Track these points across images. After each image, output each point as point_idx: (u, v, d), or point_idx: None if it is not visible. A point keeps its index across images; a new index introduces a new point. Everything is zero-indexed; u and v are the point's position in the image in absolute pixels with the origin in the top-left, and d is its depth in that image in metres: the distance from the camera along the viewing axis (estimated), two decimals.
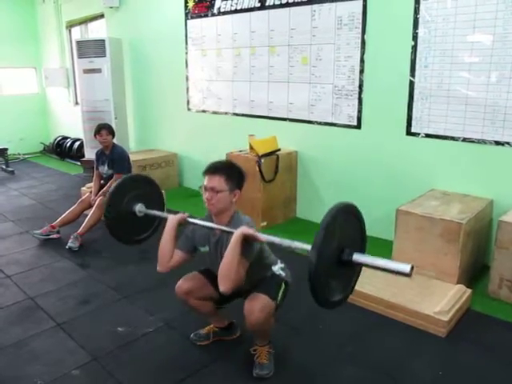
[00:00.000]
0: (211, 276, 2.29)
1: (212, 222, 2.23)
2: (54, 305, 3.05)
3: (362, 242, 1.90)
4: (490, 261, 3.15)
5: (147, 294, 3.19)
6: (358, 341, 2.64)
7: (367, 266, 1.74)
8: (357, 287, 2.91)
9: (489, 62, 3.32)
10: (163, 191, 4.91)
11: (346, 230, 1.76)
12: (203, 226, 2.23)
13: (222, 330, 2.59)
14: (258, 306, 2.13)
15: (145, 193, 2.59)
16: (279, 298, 2.24)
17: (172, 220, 2.28)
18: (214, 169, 2.17)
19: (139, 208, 2.51)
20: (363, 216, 1.89)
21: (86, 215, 4.20)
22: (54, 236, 4.19)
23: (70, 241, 3.97)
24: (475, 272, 3.36)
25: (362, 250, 1.86)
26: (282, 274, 2.33)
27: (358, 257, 1.72)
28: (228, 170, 2.17)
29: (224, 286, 1.99)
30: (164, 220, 2.39)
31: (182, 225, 2.30)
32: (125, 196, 2.50)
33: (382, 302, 2.86)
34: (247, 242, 2.02)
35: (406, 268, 1.60)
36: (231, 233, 2.04)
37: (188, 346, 2.58)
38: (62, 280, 3.42)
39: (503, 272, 3.01)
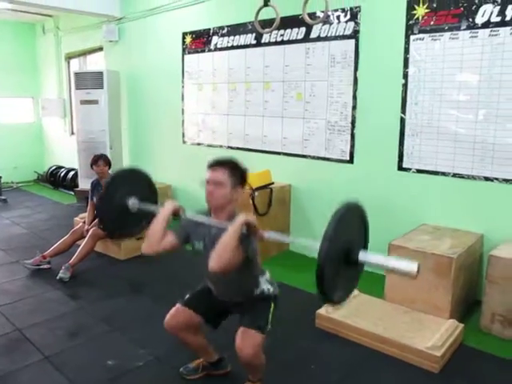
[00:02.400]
0: (194, 305, 2.32)
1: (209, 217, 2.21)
2: (42, 337, 3.01)
3: (365, 242, 1.92)
4: (482, 295, 3.16)
5: (138, 326, 3.16)
6: (352, 377, 2.62)
7: (372, 264, 1.74)
8: (349, 321, 2.95)
9: (476, 100, 3.43)
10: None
11: (353, 228, 1.78)
12: (200, 222, 2.19)
13: (212, 364, 2.56)
14: (248, 343, 2.13)
15: (138, 187, 2.55)
16: (269, 324, 2.22)
17: (168, 205, 2.24)
18: (217, 163, 2.15)
19: (132, 202, 2.46)
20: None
21: (79, 245, 4.18)
22: (45, 266, 4.15)
23: (61, 271, 3.94)
24: (467, 306, 3.36)
25: (366, 248, 1.88)
26: (270, 289, 2.30)
27: (363, 255, 1.72)
28: (232, 166, 2.16)
29: (214, 263, 1.94)
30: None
31: (177, 216, 2.26)
32: (118, 189, 2.47)
33: (374, 337, 2.85)
34: (246, 235, 2.01)
35: (413, 268, 1.58)
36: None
37: (177, 381, 2.54)
38: (52, 311, 3.38)
39: (495, 307, 3.02)
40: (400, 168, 3.90)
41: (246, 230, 2.00)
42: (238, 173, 2.16)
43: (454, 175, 3.60)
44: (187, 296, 2.41)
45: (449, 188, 3.66)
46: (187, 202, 5.90)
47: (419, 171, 3.79)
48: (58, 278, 3.91)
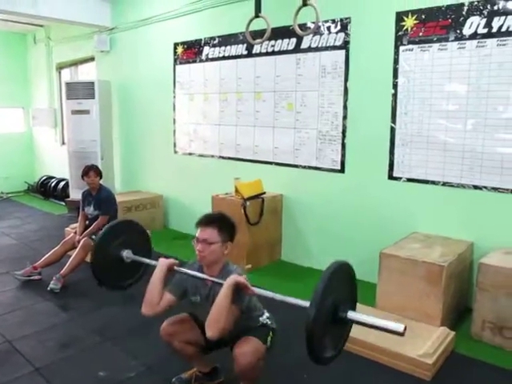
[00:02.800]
0: (199, 320, 2.30)
1: (202, 272, 2.23)
2: (32, 348, 2.98)
3: (354, 300, 1.93)
4: (473, 303, 3.18)
5: (130, 337, 3.14)
6: None
7: (360, 323, 1.76)
8: None
9: (465, 110, 3.48)
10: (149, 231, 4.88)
11: (341, 288, 1.80)
12: (194, 276, 2.22)
13: (205, 374, 2.55)
14: (249, 348, 2.13)
15: (132, 238, 2.58)
16: (268, 343, 2.25)
17: (162, 264, 2.27)
18: (206, 221, 2.20)
19: (126, 254, 2.50)
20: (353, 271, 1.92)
21: (70, 256, 4.15)
22: (36, 277, 4.12)
23: (51, 282, 3.91)
24: (458, 314, 3.39)
25: (354, 308, 1.89)
26: (269, 322, 2.34)
27: (352, 314, 1.76)
28: (221, 222, 2.20)
29: (211, 331, 1.97)
30: (151, 267, 2.40)
31: (171, 272, 2.29)
32: (112, 241, 2.50)
33: (366, 345, 2.85)
34: (238, 291, 2.03)
35: (400, 328, 1.64)
36: (222, 284, 2.05)
37: None
38: (42, 323, 3.35)
39: (485, 314, 3.04)
40: (390, 177, 3.93)
41: (237, 290, 2.03)
42: (227, 228, 2.21)
43: (444, 184, 3.65)
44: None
45: (439, 196, 3.70)
46: (179, 212, 5.91)
47: (410, 180, 3.83)
48: (48, 288, 3.88)
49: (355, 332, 2.89)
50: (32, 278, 4.10)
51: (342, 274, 1.85)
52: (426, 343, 2.76)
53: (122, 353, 2.94)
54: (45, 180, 8.37)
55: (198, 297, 2.27)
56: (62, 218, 6.75)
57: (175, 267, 2.28)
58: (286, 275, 4.38)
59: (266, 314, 2.37)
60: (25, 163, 9.01)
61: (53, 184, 8.10)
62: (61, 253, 4.26)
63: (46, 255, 4.23)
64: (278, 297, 1.94)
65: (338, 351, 1.89)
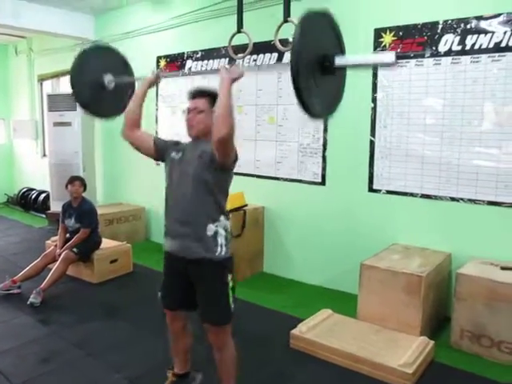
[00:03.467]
0: (168, 303, 2.36)
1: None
2: (11, 364, 2.92)
3: (340, 48, 1.90)
4: (451, 312, 3.24)
5: (112, 351, 3.11)
6: None
7: (350, 66, 1.71)
8: (322, 341, 2.99)
9: (441, 124, 3.58)
10: (130, 245, 4.88)
11: (322, 36, 1.73)
12: (180, 144, 2.31)
13: (180, 376, 2.52)
14: (219, 339, 2.22)
15: (110, 64, 2.52)
16: (231, 305, 2.21)
17: (146, 78, 2.37)
18: (197, 92, 2.24)
19: (108, 78, 2.43)
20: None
21: (50, 269, 4.11)
22: (15, 291, 4.05)
23: (31, 296, 3.85)
24: (438, 323, 3.45)
25: (343, 54, 1.85)
26: (225, 247, 2.20)
27: (339, 60, 1.68)
28: (211, 93, 2.21)
29: (220, 128, 1.96)
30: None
31: (158, 79, 2.39)
32: (91, 64, 2.43)
33: (348, 356, 2.88)
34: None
35: (391, 56, 1.59)
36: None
37: None
38: (22, 337, 3.30)
39: (463, 323, 3.11)
40: (370, 189, 4.01)
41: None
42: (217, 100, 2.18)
43: (422, 196, 3.73)
44: (159, 294, 2.41)
45: (417, 208, 3.78)
46: (161, 224, 5.86)
47: (389, 192, 3.91)
48: (28, 302, 3.82)
49: (338, 343, 2.96)
50: (11, 291, 4.04)
51: (321, 20, 1.78)
52: (406, 353, 2.81)
53: (103, 367, 2.91)
54: (25, 192, 8.26)
55: (180, 153, 2.25)
56: (43, 230, 6.67)
57: (160, 74, 2.36)
58: (268, 287, 4.40)
59: (226, 223, 2.25)
60: (5, 175, 8.89)
61: (33, 196, 8.00)
62: (41, 266, 4.20)
63: (26, 268, 4.17)
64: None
65: (334, 105, 1.91)
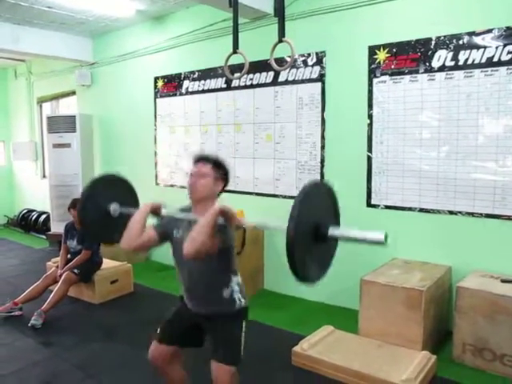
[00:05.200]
0: (165, 337, 2.31)
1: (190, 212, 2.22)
2: None
3: (336, 217, 1.95)
4: (453, 326, 3.24)
5: (113, 373, 3.10)
6: None
7: (343, 238, 1.76)
8: (324, 357, 2.98)
9: (437, 138, 3.62)
10: (130, 265, 4.88)
11: (319, 206, 1.81)
12: (180, 218, 2.22)
13: None
14: (223, 379, 2.14)
15: (119, 193, 2.61)
16: (242, 352, 2.21)
17: (146, 204, 2.27)
18: (202, 157, 2.26)
19: (114, 207, 2.50)
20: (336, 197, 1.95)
21: (51, 291, 4.11)
22: (16, 313, 4.05)
23: (33, 318, 3.84)
24: (439, 338, 3.44)
25: (338, 224, 1.90)
26: (241, 298, 2.25)
27: (333, 230, 1.75)
28: (216, 162, 2.26)
29: (189, 247, 1.93)
30: None
31: (158, 215, 2.29)
32: (99, 196, 2.51)
33: (350, 373, 2.87)
34: (224, 226, 2.01)
35: (380, 236, 1.64)
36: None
37: None
38: (23, 360, 3.29)
39: (465, 337, 3.10)
40: (369, 205, 4.03)
41: (223, 220, 1.99)
42: (221, 167, 2.27)
43: (421, 210, 3.75)
44: (159, 329, 2.37)
45: (416, 222, 3.80)
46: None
47: (387, 207, 3.93)
48: (29, 324, 3.81)
49: (340, 360, 2.95)
50: (13, 314, 4.03)
51: (319, 191, 1.87)
52: (408, 368, 2.80)
53: None
54: (25, 213, 8.28)
55: (181, 231, 2.21)
56: (43, 251, 6.67)
57: (161, 210, 2.27)
58: (269, 304, 4.39)
59: (238, 279, 2.29)
60: (5, 197, 8.91)
61: (33, 217, 8.01)
62: (42, 288, 4.20)
63: (27, 290, 4.17)
64: (262, 224, 1.94)
65: (324, 272, 1.89)
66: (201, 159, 2.25)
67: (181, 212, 2.27)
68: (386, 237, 1.64)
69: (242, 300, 2.26)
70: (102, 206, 2.51)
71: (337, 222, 1.95)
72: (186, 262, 2.07)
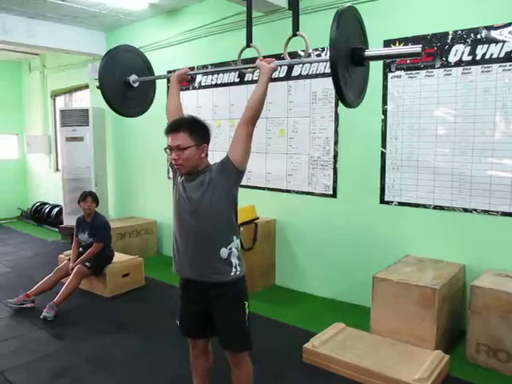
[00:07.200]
0: (187, 331, 2.30)
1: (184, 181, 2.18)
2: (25, 379, 2.94)
3: (365, 41, 2.15)
4: (466, 325, 3.19)
5: (124, 366, 3.11)
6: None
7: (379, 57, 1.98)
8: (336, 355, 2.95)
9: (453, 134, 3.55)
10: (142, 259, 4.89)
11: (352, 29, 1.95)
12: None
13: None
14: (241, 367, 2.19)
15: (132, 64, 2.77)
16: (249, 329, 2.18)
17: (172, 78, 2.56)
18: (176, 126, 2.08)
19: (133, 78, 2.69)
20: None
21: (63, 284, 4.13)
22: (29, 305, 4.08)
23: (45, 310, 3.87)
24: (453, 337, 3.39)
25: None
26: (237, 266, 2.14)
27: (369, 52, 1.91)
28: (191, 125, 2.09)
29: (254, 108, 2.14)
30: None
31: (185, 77, 2.62)
32: (116, 69, 2.68)
33: (362, 370, 2.85)
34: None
35: (417, 49, 1.81)
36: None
37: None
38: (35, 352, 3.31)
39: (479, 337, 3.05)
40: (382, 201, 3.98)
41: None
42: (199, 130, 2.10)
43: (435, 207, 3.70)
44: (178, 322, 2.33)
45: (430, 220, 3.75)
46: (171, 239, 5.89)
47: (401, 204, 3.88)
48: (42, 317, 3.84)
49: (351, 358, 2.92)
50: (25, 306, 4.07)
51: (351, 15, 1.99)
52: (421, 367, 2.76)
53: (116, 382, 2.91)
54: (38, 206, 8.36)
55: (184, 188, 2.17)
56: (56, 244, 6.72)
57: (187, 72, 2.57)
58: (280, 300, 4.37)
59: (237, 243, 2.18)
60: (18, 190, 9.01)
61: (46, 210, 8.09)
62: (54, 280, 4.24)
63: (40, 283, 4.21)
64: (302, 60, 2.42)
65: (361, 96, 2.15)
66: (175, 128, 2.07)
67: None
68: (422, 47, 1.79)
69: (239, 268, 2.14)
70: (121, 77, 2.69)
71: (366, 45, 2.14)
72: (193, 209, 2.08)
